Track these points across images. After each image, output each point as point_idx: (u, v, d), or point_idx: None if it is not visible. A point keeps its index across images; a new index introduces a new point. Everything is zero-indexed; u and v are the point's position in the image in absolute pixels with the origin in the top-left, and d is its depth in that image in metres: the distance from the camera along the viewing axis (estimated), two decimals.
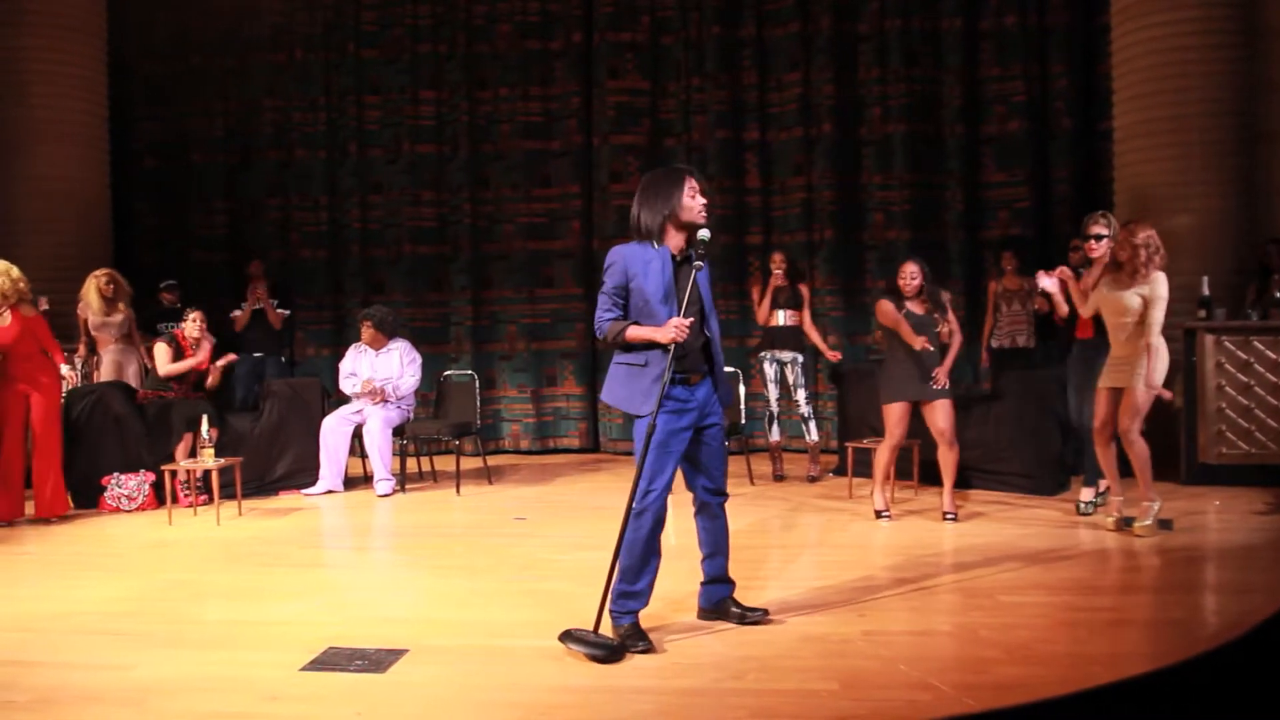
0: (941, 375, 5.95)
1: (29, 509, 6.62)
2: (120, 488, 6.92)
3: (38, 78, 8.72)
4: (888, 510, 6.10)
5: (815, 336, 7.63)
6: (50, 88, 8.76)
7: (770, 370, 7.53)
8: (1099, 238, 5.79)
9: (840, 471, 7.58)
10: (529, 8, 9.57)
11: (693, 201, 4.01)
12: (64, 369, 6.90)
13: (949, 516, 5.93)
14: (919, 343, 5.87)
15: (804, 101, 9.15)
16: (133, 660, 3.79)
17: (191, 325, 7.35)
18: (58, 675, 3.67)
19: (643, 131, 9.39)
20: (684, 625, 4.04)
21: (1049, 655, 3.63)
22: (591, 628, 3.74)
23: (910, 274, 6.03)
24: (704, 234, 3.97)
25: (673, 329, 3.76)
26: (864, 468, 6.94)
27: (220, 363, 7.46)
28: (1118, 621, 4.08)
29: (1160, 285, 5.37)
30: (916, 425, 6.14)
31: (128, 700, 3.38)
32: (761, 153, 9.28)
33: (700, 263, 3.93)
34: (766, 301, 7.50)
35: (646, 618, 3.92)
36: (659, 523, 3.80)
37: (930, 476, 6.56)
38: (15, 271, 6.53)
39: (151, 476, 6.96)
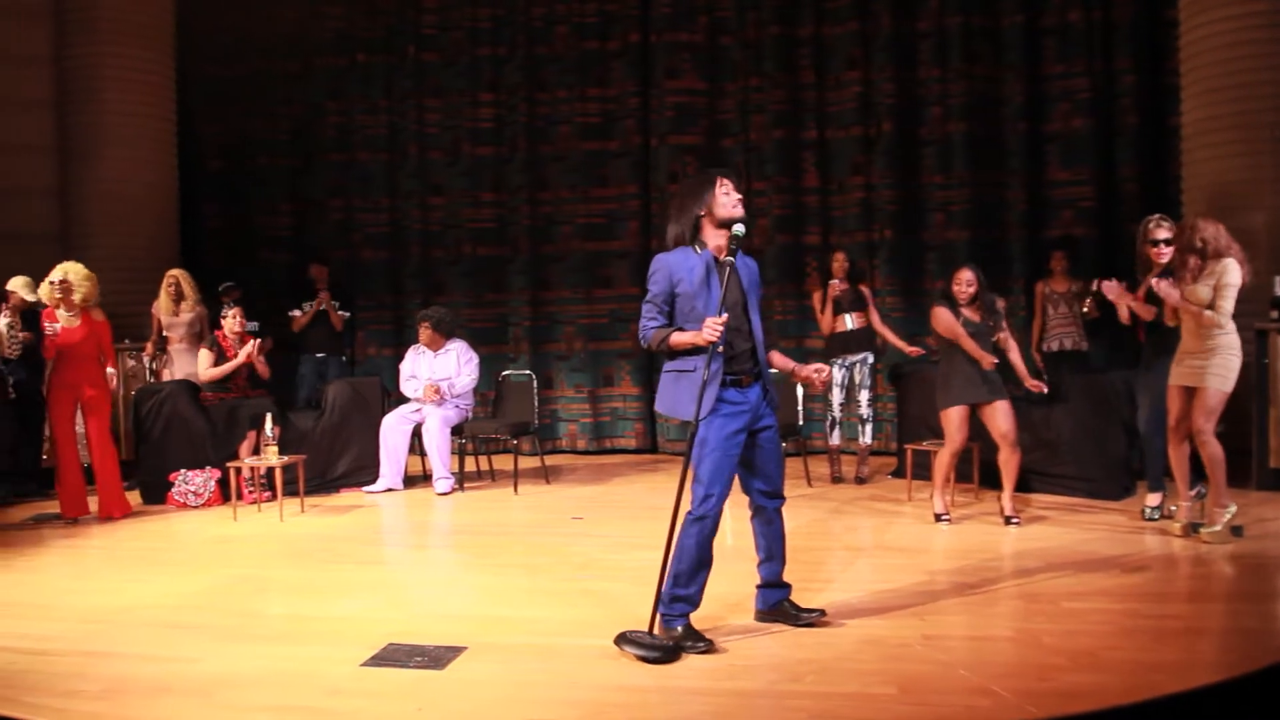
0: (1030, 382, 5.91)
1: (92, 506, 6.77)
2: (187, 484, 7.07)
3: (109, 84, 8.94)
4: (947, 513, 6.03)
5: (890, 334, 7.57)
6: (121, 93, 8.97)
7: (839, 375, 7.48)
8: (1167, 242, 5.72)
9: (899, 474, 7.50)
10: (587, 9, 9.60)
11: (726, 198, 3.94)
12: (109, 370, 7.02)
13: (1012, 521, 5.83)
14: (986, 360, 5.80)
15: (863, 100, 9.06)
16: (199, 653, 3.88)
17: (230, 322, 7.46)
18: (126, 666, 3.76)
19: (700, 132, 9.37)
20: (740, 627, 4.02)
21: (1113, 663, 3.56)
22: (646, 629, 3.75)
23: (966, 281, 5.96)
24: (738, 228, 3.90)
25: (707, 329, 3.70)
26: (922, 470, 6.86)
27: (255, 351, 7.40)
28: (1185, 630, 3.99)
29: (1230, 272, 5.23)
30: (975, 427, 6.07)
31: (195, 692, 3.46)
32: (820, 152, 9.21)
33: (731, 258, 3.85)
34: (829, 310, 7.45)
35: (702, 618, 3.91)
36: (715, 529, 3.80)
37: (990, 479, 6.47)
38: (79, 272, 6.68)
39: (217, 473, 7.10)
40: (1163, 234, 5.74)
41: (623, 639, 3.72)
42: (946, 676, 3.43)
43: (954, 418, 5.93)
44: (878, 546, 5.58)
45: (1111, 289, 5.81)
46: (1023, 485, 6.46)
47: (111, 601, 4.64)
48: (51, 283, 6.57)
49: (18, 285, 7.17)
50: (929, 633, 3.90)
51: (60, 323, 6.53)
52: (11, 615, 4.48)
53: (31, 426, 7.42)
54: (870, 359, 7.52)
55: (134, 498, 7.07)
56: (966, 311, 5.96)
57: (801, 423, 7.46)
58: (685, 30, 9.35)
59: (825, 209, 9.22)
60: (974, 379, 5.86)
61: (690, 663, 3.62)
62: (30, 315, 6.99)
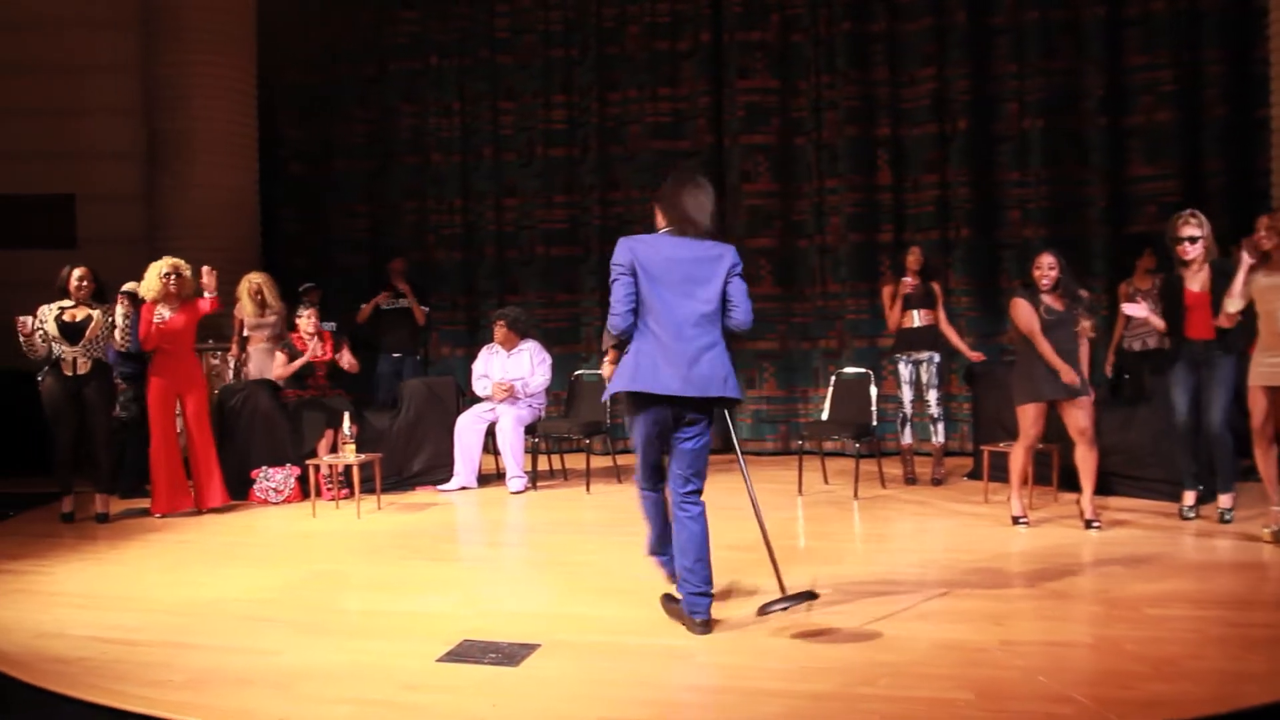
0: (1067, 373, 5.78)
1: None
2: (268, 481, 7.24)
3: (195, 92, 9.19)
4: (1025, 516, 5.91)
5: (953, 336, 7.45)
6: (206, 101, 9.22)
7: (906, 372, 7.40)
8: (1193, 240, 5.59)
9: (975, 475, 7.38)
10: (658, 9, 9.61)
11: None
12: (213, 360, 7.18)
13: (1092, 524, 5.69)
14: (1064, 372, 5.66)
15: (937, 97, 8.94)
16: (280, 646, 3.97)
17: (304, 322, 7.60)
18: (211, 658, 3.87)
19: (772, 130, 9.32)
20: (814, 628, 3.99)
21: (1199, 672, 3.47)
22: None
23: (1048, 265, 5.80)
24: None
25: None
26: (999, 472, 6.73)
27: (333, 353, 7.53)
28: (1274, 638, 3.86)
29: None
30: (1055, 428, 5.94)
31: (276, 684, 3.54)
32: (893, 149, 9.11)
33: None
34: (898, 306, 7.36)
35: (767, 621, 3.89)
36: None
37: (1069, 482, 6.33)
38: (174, 264, 6.86)
39: (297, 471, 7.26)
40: (1189, 231, 5.63)
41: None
42: (1025, 683, 3.37)
43: (1029, 413, 5.82)
44: (953, 549, 5.49)
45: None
46: (1104, 488, 6.31)
47: (196, 594, 4.77)
48: (164, 275, 6.76)
49: (133, 286, 7.46)
50: (1007, 638, 3.83)
51: (162, 315, 6.71)
52: (102, 607, 4.63)
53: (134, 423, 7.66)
54: (937, 358, 7.41)
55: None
56: (1048, 299, 5.80)
57: (875, 423, 7.37)
58: (757, 28, 9.31)
59: (899, 207, 9.12)
60: (1051, 375, 5.73)
61: (763, 663, 3.61)
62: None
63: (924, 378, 7.40)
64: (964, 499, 6.84)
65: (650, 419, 4.01)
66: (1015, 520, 5.89)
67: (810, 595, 4.01)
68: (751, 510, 4.19)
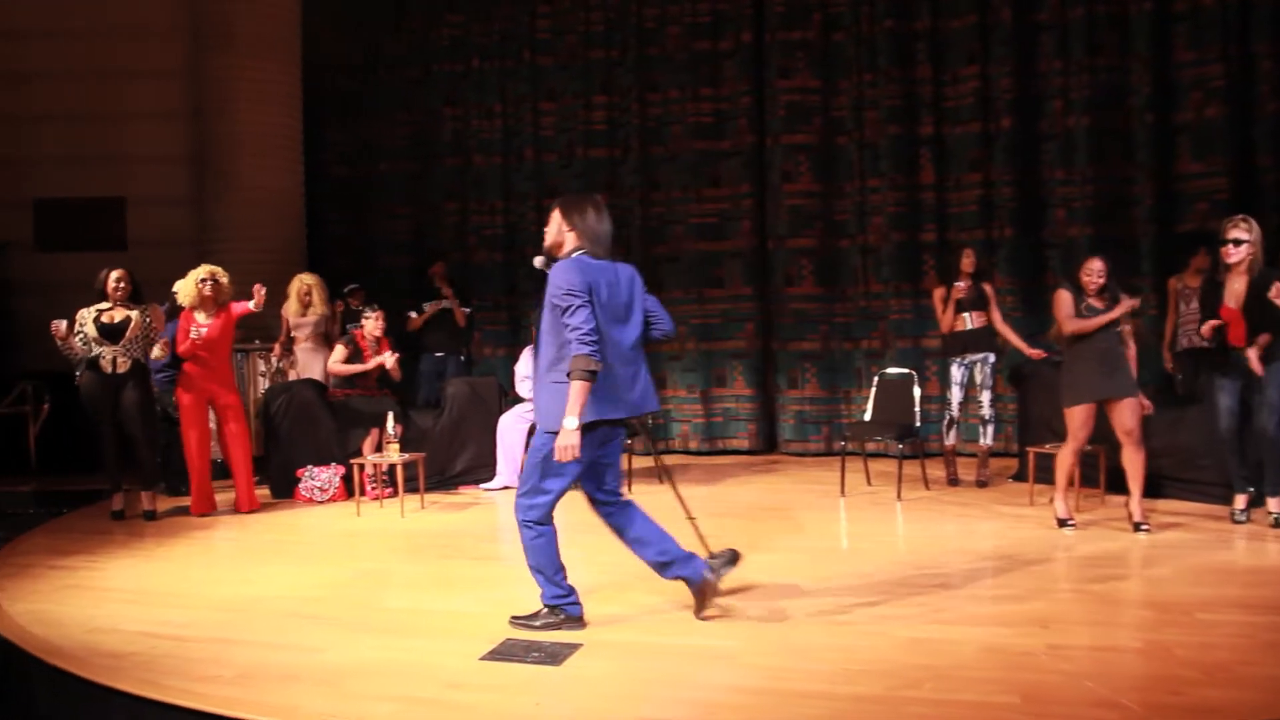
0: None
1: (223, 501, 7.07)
2: (313, 480, 7.32)
3: (242, 96, 9.33)
4: (1072, 519, 5.84)
5: (1012, 335, 7.35)
6: (253, 103, 9.35)
7: (958, 374, 7.34)
8: (1237, 242, 5.52)
9: (1020, 477, 7.31)
10: (699, 9, 9.60)
11: None
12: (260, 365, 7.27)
13: (1141, 527, 5.61)
14: (1102, 319, 5.62)
15: (981, 95, 8.86)
16: (325, 643, 4.01)
17: (372, 324, 7.67)
18: (259, 654, 3.92)
19: (814, 130, 9.28)
20: (856, 629, 3.98)
21: (1252, 678, 3.41)
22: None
23: (1098, 272, 5.73)
24: (536, 261, 4.19)
25: None
26: (1045, 474, 6.66)
27: (393, 363, 7.60)
28: None
29: None
30: (1102, 429, 5.86)
31: (322, 680, 3.58)
32: (936, 148, 9.03)
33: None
34: (951, 308, 7.30)
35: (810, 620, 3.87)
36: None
37: (1117, 485, 6.24)
38: (211, 272, 6.95)
39: (341, 470, 7.34)
40: (1235, 234, 5.59)
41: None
42: (1072, 688, 3.33)
43: (1077, 415, 5.74)
44: (998, 552, 5.43)
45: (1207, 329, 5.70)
46: (1154, 491, 6.23)
47: (243, 591, 4.84)
48: (201, 281, 6.86)
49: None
50: (1053, 642, 3.79)
51: (202, 324, 6.80)
52: (153, 603, 4.71)
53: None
54: (992, 359, 7.34)
55: (263, 493, 7.34)
56: (1092, 301, 5.75)
57: (919, 424, 7.32)
58: (799, 28, 9.27)
59: (942, 206, 9.04)
60: (1100, 375, 5.65)
61: (804, 665, 3.59)
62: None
63: (978, 379, 7.34)
64: (1009, 501, 6.77)
65: (598, 442, 4.05)
66: (1061, 523, 5.81)
67: (735, 555, 4.35)
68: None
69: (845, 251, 9.29)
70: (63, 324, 6.50)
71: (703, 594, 4.15)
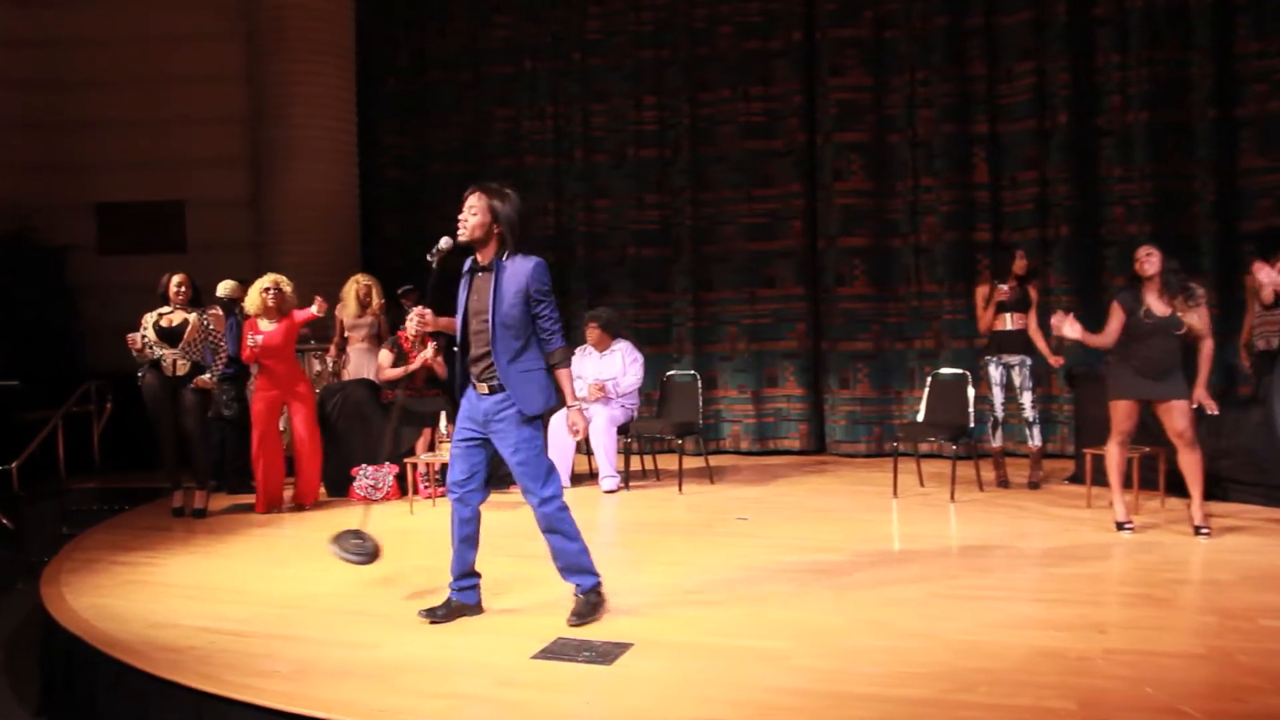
0: (1199, 393, 5.60)
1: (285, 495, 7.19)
2: (367, 478, 7.40)
3: (297, 99, 9.48)
4: (1130, 521, 5.73)
5: (1040, 341, 7.26)
6: (308, 108, 9.50)
7: (996, 374, 7.24)
8: None
9: (1076, 479, 7.20)
10: (749, 8, 9.57)
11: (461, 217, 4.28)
12: (316, 365, 7.39)
13: (1201, 531, 5.49)
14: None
15: (1036, 91, 8.73)
16: (378, 639, 4.06)
17: (414, 325, 7.71)
18: (314, 650, 3.98)
19: (866, 128, 9.22)
20: (909, 632, 3.94)
21: None
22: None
23: (1145, 253, 5.60)
24: (443, 242, 4.41)
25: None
26: (1102, 476, 6.53)
27: (432, 354, 7.53)
28: None
29: None
30: (1159, 430, 5.75)
31: (375, 676, 3.63)
32: (990, 146, 8.92)
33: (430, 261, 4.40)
34: (992, 308, 7.20)
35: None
36: (457, 515, 4.44)
37: (1177, 487, 6.12)
38: (277, 280, 7.07)
39: (395, 468, 7.41)
40: None
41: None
42: (1131, 694, 3.28)
43: (1120, 408, 5.65)
44: (1054, 554, 5.35)
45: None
46: (1217, 494, 6.10)
47: (300, 588, 4.91)
48: (265, 290, 6.98)
49: (227, 289, 7.72)
50: (1111, 647, 3.72)
51: (262, 331, 6.91)
52: (212, 599, 4.80)
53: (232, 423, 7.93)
54: (1029, 361, 7.25)
55: (322, 492, 7.44)
56: (1151, 301, 5.60)
57: (972, 425, 7.23)
58: (850, 25, 9.22)
59: (996, 205, 8.93)
60: (1146, 375, 5.54)
61: (857, 667, 3.57)
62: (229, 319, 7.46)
63: (1016, 381, 7.24)
64: (1065, 503, 6.67)
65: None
66: (1119, 526, 5.71)
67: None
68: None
69: (898, 251, 9.21)
70: (138, 336, 6.65)
71: (455, 614, 4.32)
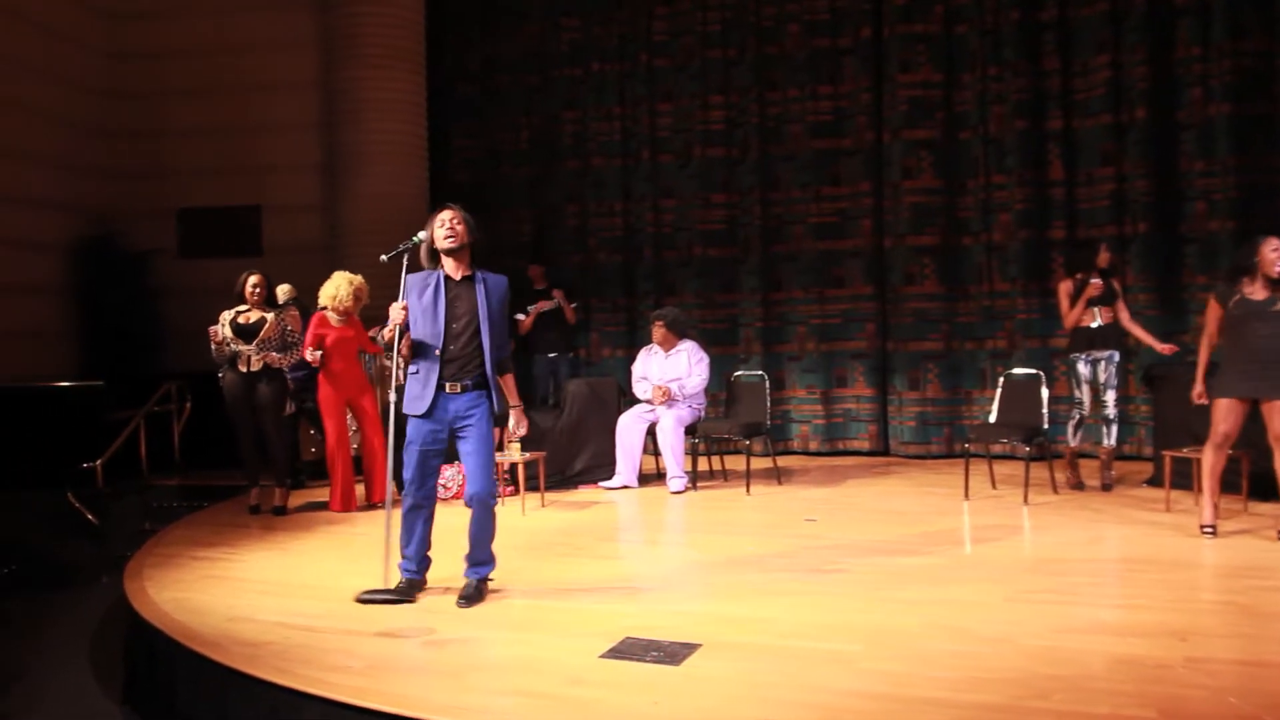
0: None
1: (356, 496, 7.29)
2: (438, 477, 7.48)
3: (370, 105, 9.64)
4: (1213, 525, 5.56)
5: (1141, 332, 7.11)
6: (380, 113, 9.66)
7: (1085, 371, 7.11)
8: None
9: (1155, 482, 7.02)
10: (817, 6, 9.50)
11: (439, 230, 4.59)
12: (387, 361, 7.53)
13: None
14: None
15: (1113, 85, 8.54)
16: (449, 637, 4.11)
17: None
18: (385, 646, 4.04)
19: (936, 125, 9.10)
20: (981, 636, 3.88)
21: None
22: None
23: (1272, 248, 5.33)
24: (418, 236, 4.65)
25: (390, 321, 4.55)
26: (1182, 479, 6.39)
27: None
28: None
29: None
30: (1247, 432, 5.57)
31: (447, 673, 3.68)
32: (1065, 142, 8.75)
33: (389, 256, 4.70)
34: (1082, 304, 7.06)
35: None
36: (412, 511, 4.79)
37: (1262, 491, 5.94)
38: (359, 280, 7.19)
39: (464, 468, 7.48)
40: None
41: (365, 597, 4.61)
42: (1213, 703, 3.19)
43: (1220, 408, 5.47)
44: (1133, 559, 5.23)
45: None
46: None
47: (371, 584, 4.97)
48: (352, 282, 7.10)
49: (284, 293, 7.88)
50: (1193, 655, 3.63)
51: (333, 327, 7.03)
52: (287, 594, 4.90)
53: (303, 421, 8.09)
54: (1117, 357, 7.10)
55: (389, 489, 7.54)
56: (1249, 287, 5.39)
57: (1046, 426, 7.09)
58: (920, 21, 9.10)
59: (1071, 202, 8.75)
60: (1252, 372, 5.34)
61: (928, 671, 3.52)
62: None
63: (1101, 378, 7.09)
64: (1143, 506, 6.51)
65: None
66: (1203, 529, 5.55)
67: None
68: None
69: (969, 249, 9.08)
70: (219, 329, 6.80)
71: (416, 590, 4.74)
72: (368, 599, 4.63)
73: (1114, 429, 7.17)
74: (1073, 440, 7.27)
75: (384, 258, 4.68)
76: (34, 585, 6.50)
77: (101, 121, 10.59)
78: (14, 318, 9.32)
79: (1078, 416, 7.21)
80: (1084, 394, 7.14)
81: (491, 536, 4.75)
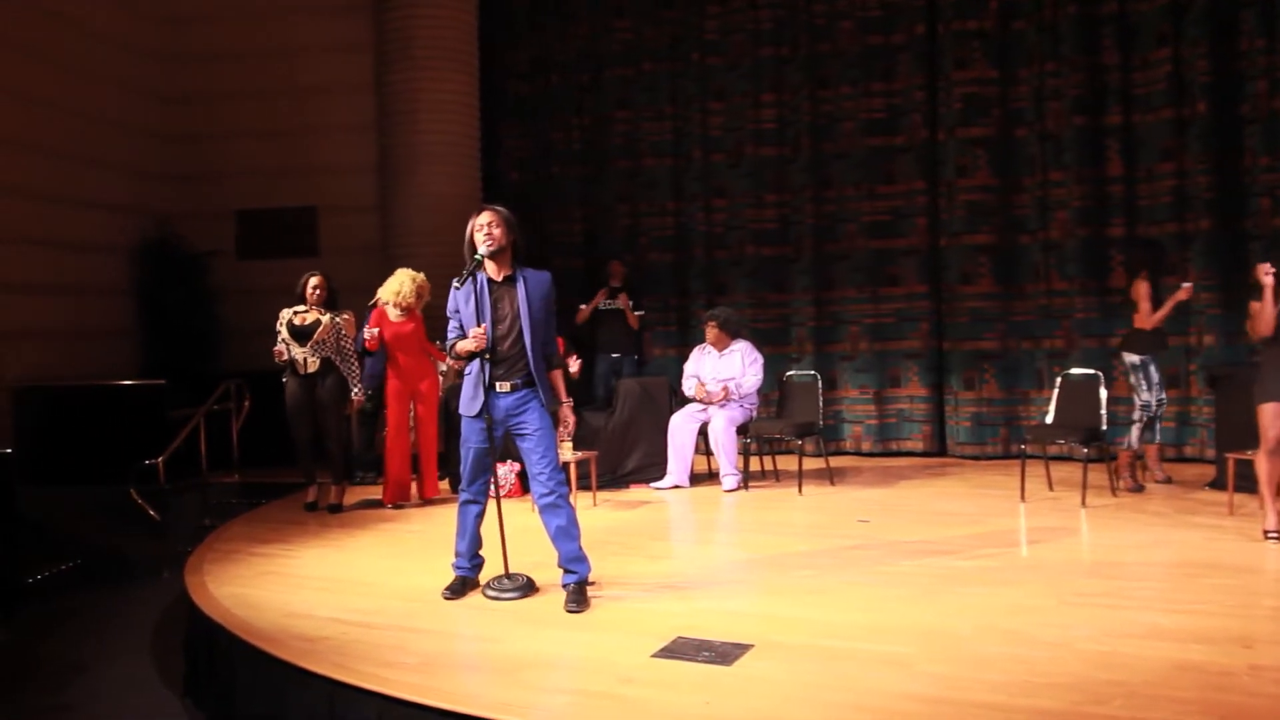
0: None
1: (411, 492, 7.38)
2: (492, 475, 7.53)
3: (423, 106, 9.74)
4: (1278, 530, 5.44)
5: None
6: (434, 114, 9.75)
7: (1156, 374, 7.10)
8: None
9: (1217, 485, 6.87)
10: (870, 2, 9.41)
11: (478, 235, 4.70)
12: (440, 365, 7.64)
13: None
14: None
15: (1174, 79, 8.36)
16: (502, 634, 4.14)
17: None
18: (440, 643, 4.09)
19: (992, 122, 8.97)
20: (1038, 640, 3.82)
21: None
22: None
23: None
24: (483, 250, 4.69)
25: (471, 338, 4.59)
26: (1245, 481, 6.24)
27: (575, 367, 7.76)
28: None
29: None
30: None
31: (501, 670, 3.71)
32: (1124, 138, 8.58)
33: (460, 282, 4.72)
34: (1169, 307, 7.05)
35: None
36: (469, 509, 4.85)
37: None
38: (420, 277, 7.28)
39: (517, 466, 7.53)
40: None
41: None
42: (1278, 712, 3.12)
43: (1267, 413, 5.36)
44: (1194, 563, 5.12)
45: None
46: None
47: (425, 582, 5.02)
48: (415, 279, 7.20)
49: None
50: (1257, 662, 3.55)
51: (392, 322, 7.12)
52: (341, 591, 4.97)
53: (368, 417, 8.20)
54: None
55: (443, 486, 7.61)
56: None
57: (1105, 427, 6.97)
58: (974, 17, 8.99)
59: (1131, 199, 8.58)
60: None
61: (984, 675, 3.48)
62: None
63: (1156, 376, 7.12)
64: (1206, 510, 6.38)
65: None
66: (1266, 534, 5.43)
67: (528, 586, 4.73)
68: None
69: (1025, 248, 8.95)
70: (281, 349, 6.94)
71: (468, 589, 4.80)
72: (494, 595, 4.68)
73: (1158, 427, 7.33)
74: (1138, 443, 7.18)
75: (456, 282, 4.73)
76: (98, 579, 6.65)
77: (161, 125, 10.80)
78: (81, 318, 9.56)
79: (1147, 418, 7.14)
80: (1153, 395, 7.07)
81: (574, 536, 4.63)
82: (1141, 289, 7.18)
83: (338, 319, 7.05)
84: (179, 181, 10.85)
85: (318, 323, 6.98)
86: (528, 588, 4.70)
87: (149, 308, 10.31)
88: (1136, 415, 7.20)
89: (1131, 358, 7.18)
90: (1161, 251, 7.13)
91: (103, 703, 4.58)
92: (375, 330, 6.98)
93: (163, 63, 10.83)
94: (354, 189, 10.59)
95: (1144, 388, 7.13)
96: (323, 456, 7.19)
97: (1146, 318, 7.12)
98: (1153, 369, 7.08)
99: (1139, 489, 7.05)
